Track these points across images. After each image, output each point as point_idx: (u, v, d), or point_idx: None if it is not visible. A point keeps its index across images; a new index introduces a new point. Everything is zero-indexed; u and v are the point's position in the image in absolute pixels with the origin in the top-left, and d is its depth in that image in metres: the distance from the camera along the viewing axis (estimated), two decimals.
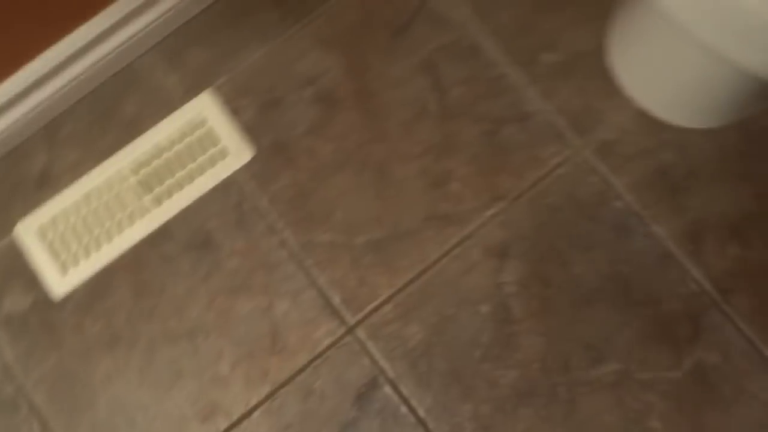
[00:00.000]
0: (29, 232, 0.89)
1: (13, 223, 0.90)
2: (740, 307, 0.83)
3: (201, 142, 0.92)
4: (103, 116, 0.95)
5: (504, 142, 0.91)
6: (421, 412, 0.82)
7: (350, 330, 0.85)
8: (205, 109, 0.93)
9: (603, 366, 0.83)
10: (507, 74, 0.93)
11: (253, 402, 0.83)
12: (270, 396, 0.83)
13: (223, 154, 0.91)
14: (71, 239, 0.89)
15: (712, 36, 0.60)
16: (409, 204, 0.89)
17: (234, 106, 0.94)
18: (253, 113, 0.94)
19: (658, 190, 0.87)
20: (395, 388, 0.83)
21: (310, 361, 0.84)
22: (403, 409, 0.82)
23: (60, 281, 0.88)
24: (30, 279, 0.89)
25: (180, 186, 0.90)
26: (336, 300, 0.86)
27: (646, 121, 0.89)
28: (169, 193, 0.90)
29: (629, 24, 0.83)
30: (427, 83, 0.93)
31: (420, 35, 0.95)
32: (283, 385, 0.83)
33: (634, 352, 0.83)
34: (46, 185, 0.92)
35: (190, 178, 0.90)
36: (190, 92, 0.95)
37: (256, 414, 0.83)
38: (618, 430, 0.81)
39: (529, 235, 0.87)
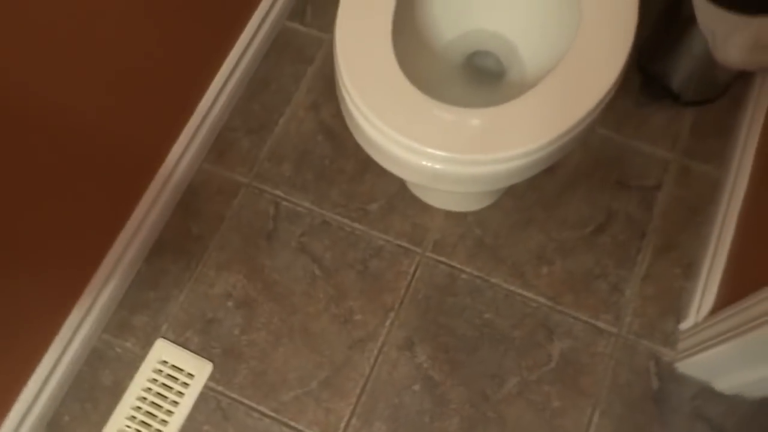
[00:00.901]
0: None
1: None
2: (567, 303, 1.23)
3: (171, 377, 1.21)
4: (89, 394, 1.21)
5: (374, 272, 1.28)
6: None
7: None
8: (162, 353, 1.23)
9: (507, 384, 1.18)
10: (354, 229, 1.31)
11: None
12: None
13: (190, 377, 1.21)
14: None
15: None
16: (334, 344, 1.22)
17: (182, 340, 1.25)
18: (198, 338, 1.25)
19: (483, 255, 1.27)
20: None
21: None
22: None
23: None
24: None
25: (169, 414, 1.18)
26: None
27: (453, 216, 1.30)
28: (165, 423, 1.17)
29: None
30: (306, 259, 1.30)
31: (286, 230, 1.33)
32: None
33: (522, 365, 1.19)
34: None
35: (175, 404, 1.18)
36: (146, 347, 1.25)
37: None
38: (538, 420, 1.15)
39: (420, 324, 1.23)
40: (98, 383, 1.22)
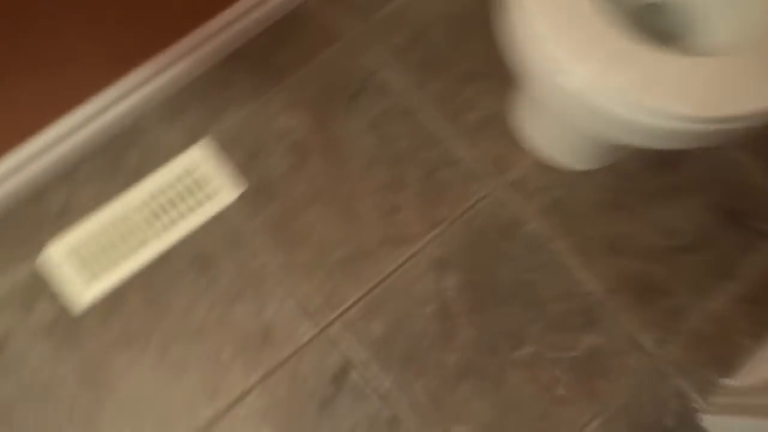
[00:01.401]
0: (58, 253, 1.07)
1: (42, 246, 1.08)
2: (619, 303, 1.11)
3: (199, 182, 1.13)
4: (113, 164, 1.15)
5: (439, 182, 1.17)
6: (384, 389, 1.04)
7: (325, 328, 1.07)
8: (201, 156, 1.15)
9: (521, 349, 1.08)
10: (438, 130, 1.20)
11: (250, 384, 1.03)
12: (263, 379, 1.03)
13: (217, 192, 1.13)
14: (93, 259, 1.07)
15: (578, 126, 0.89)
16: (368, 230, 1.13)
17: (225, 153, 1.16)
18: (241, 159, 1.16)
19: (556, 216, 1.15)
20: (363, 371, 1.05)
21: (295, 352, 1.05)
22: (370, 387, 1.04)
23: (83, 293, 1.05)
24: (57, 292, 1.06)
25: (183, 217, 1.10)
26: (312, 306, 1.08)
27: (543, 165, 1.18)
28: (175, 223, 1.10)
29: (524, 101, 1.12)
30: (378, 137, 1.19)
31: (367, 101, 1.22)
32: (273, 370, 1.03)
33: (544, 338, 1.09)
34: (69, 216, 1.10)
35: (191, 210, 1.11)
36: (187, 142, 1.16)
37: (252, 394, 1.02)
38: (535, 398, 1.05)
39: (461, 251, 1.13)
40: (124, 158, 1.15)
